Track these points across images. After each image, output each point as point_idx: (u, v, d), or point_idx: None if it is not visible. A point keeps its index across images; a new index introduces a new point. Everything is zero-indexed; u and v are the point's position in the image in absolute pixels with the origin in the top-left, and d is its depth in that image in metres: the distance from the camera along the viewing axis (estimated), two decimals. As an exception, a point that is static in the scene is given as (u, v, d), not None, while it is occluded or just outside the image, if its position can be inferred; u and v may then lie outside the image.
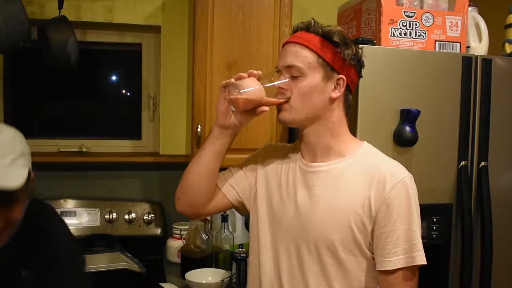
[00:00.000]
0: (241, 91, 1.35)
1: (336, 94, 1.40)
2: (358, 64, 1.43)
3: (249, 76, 1.39)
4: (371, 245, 1.36)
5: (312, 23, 1.42)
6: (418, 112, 1.79)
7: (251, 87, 1.36)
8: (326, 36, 1.39)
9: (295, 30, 1.46)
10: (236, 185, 1.58)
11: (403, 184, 1.34)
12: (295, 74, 1.38)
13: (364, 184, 1.36)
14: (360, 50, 1.43)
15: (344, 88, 1.40)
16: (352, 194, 1.36)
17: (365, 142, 1.47)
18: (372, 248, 1.36)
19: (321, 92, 1.39)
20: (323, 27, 1.41)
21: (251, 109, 1.40)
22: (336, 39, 1.37)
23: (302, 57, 1.38)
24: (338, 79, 1.39)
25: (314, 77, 1.38)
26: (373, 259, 1.37)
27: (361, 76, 1.47)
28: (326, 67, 1.38)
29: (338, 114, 1.43)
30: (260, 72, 1.41)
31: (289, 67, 1.39)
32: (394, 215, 1.32)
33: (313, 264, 1.39)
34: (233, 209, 2.54)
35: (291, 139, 2.30)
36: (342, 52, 1.38)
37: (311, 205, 1.41)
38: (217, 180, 1.56)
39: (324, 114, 1.41)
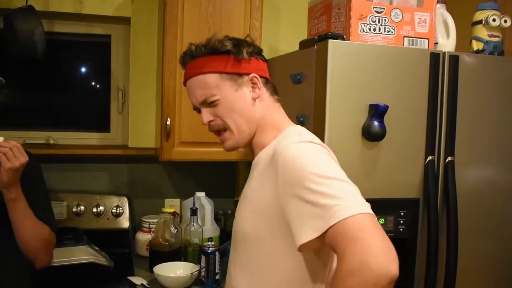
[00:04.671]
0: None
1: (257, 93, 1.40)
2: (259, 53, 1.45)
3: None
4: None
5: (193, 48, 1.41)
6: (386, 107, 1.80)
7: None
8: (213, 52, 1.38)
9: (183, 64, 1.46)
10: None
11: (285, 153, 1.22)
12: (211, 101, 1.38)
13: (265, 169, 1.30)
14: (254, 44, 1.44)
15: (261, 83, 1.41)
16: (257, 185, 1.33)
17: (295, 126, 1.40)
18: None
19: (241, 100, 1.39)
20: (204, 45, 1.40)
21: None
22: (224, 48, 1.37)
23: (205, 84, 1.38)
24: (251, 79, 1.40)
25: (228, 93, 1.37)
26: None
27: (266, 60, 1.49)
28: (232, 77, 1.38)
29: (263, 107, 1.42)
30: None
31: (203, 102, 1.40)
32: (283, 188, 1.19)
33: (236, 258, 1.41)
34: (202, 203, 2.57)
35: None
36: (237, 55, 1.38)
37: (239, 203, 1.42)
38: None
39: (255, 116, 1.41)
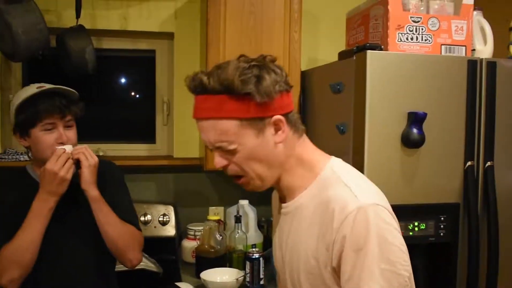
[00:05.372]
0: None
1: (281, 136, 1.20)
2: (285, 83, 1.21)
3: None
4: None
5: (205, 80, 1.15)
6: (425, 115, 1.84)
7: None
8: (231, 92, 1.13)
9: (192, 92, 1.21)
10: None
11: (353, 217, 1.11)
12: (228, 149, 1.19)
13: (319, 223, 1.18)
14: (277, 70, 1.20)
15: (285, 125, 1.20)
16: (309, 238, 1.20)
17: (330, 161, 1.27)
18: None
19: (263, 147, 1.19)
20: (219, 76, 1.14)
21: None
22: (242, 89, 1.13)
23: (224, 131, 1.17)
24: (274, 122, 1.19)
25: (249, 140, 1.18)
26: None
27: (291, 87, 1.24)
28: (253, 122, 1.17)
29: (289, 148, 1.24)
30: None
31: (218, 148, 1.21)
32: (345, 256, 1.11)
33: None
34: (246, 210, 2.64)
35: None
36: (258, 96, 1.13)
37: (281, 250, 1.34)
38: None
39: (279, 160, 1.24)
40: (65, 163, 1.76)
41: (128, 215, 1.94)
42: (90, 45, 2.46)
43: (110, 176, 1.98)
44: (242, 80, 1.13)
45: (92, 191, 1.80)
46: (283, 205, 1.31)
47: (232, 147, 1.18)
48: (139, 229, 1.97)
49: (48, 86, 1.87)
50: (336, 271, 1.14)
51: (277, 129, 1.20)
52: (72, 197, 1.82)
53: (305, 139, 1.29)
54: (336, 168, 1.24)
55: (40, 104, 1.79)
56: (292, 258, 1.27)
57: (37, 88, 1.84)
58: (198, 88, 1.17)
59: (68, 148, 1.81)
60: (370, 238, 1.09)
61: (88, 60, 2.44)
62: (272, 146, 1.20)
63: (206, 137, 1.21)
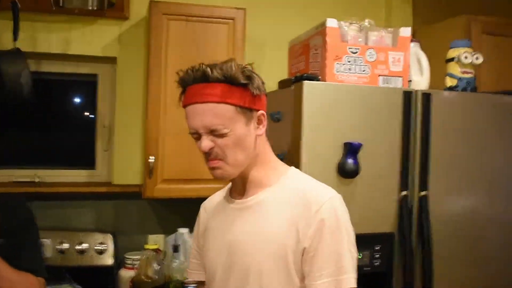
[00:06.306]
0: None
1: (262, 130, 1.39)
2: (264, 87, 1.39)
3: None
4: (300, 271, 1.32)
5: (209, 71, 1.30)
6: (360, 145, 1.86)
7: None
8: (232, 81, 1.31)
9: (191, 82, 1.34)
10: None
11: (329, 204, 1.31)
12: (222, 133, 1.32)
13: (291, 211, 1.33)
14: (259, 75, 1.38)
15: (265, 121, 1.39)
16: (279, 224, 1.33)
17: (292, 168, 1.46)
18: (302, 275, 1.32)
19: (248, 136, 1.36)
20: (222, 69, 1.31)
21: None
22: (243, 80, 1.31)
23: (221, 114, 1.31)
24: (259, 116, 1.38)
25: (239, 127, 1.33)
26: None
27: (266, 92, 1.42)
28: (245, 111, 1.33)
29: (261, 144, 1.41)
30: None
31: (212, 131, 1.32)
32: (322, 236, 1.28)
33: None
34: (186, 238, 2.59)
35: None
36: (252, 89, 1.33)
37: (241, 240, 1.39)
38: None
39: (254, 152, 1.40)
40: None
41: (29, 263, 1.86)
42: (26, 69, 2.39)
43: (14, 218, 1.92)
44: (242, 73, 1.31)
45: None
46: (247, 199, 1.42)
47: (225, 130, 1.31)
48: (43, 275, 1.90)
49: None
50: (305, 251, 1.30)
51: (259, 123, 1.38)
52: None
53: (269, 143, 1.46)
54: (299, 172, 1.48)
55: None
56: (252, 247, 1.37)
57: None
58: (200, 77, 1.31)
59: None
60: (342, 222, 1.32)
61: (23, 84, 2.36)
62: (253, 138, 1.37)
63: (201, 121, 1.32)
